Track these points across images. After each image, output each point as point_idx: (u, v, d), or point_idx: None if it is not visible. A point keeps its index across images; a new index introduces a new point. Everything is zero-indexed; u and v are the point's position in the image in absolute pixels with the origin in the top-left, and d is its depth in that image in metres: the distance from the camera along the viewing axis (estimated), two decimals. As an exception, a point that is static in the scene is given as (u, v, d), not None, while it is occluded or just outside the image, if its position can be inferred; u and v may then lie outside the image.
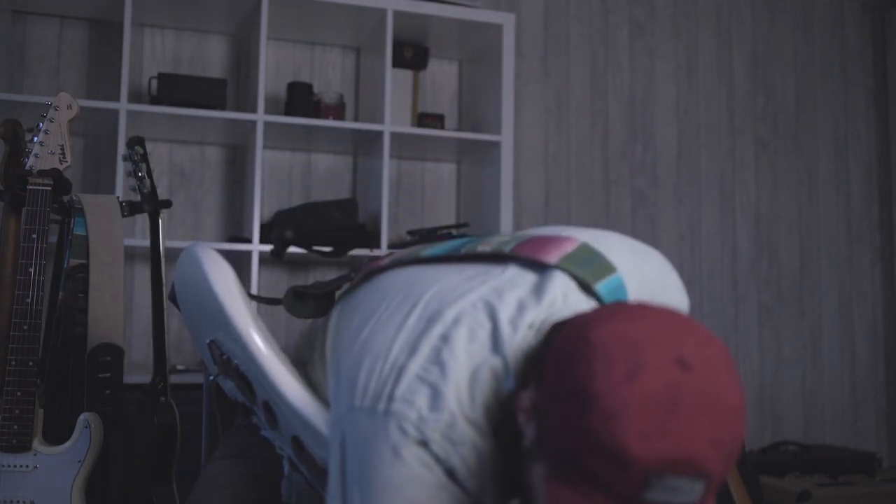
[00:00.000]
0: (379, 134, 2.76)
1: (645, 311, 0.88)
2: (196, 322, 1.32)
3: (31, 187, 1.86)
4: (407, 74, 3.03)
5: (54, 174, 1.88)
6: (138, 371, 2.27)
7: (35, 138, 1.91)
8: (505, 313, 1.00)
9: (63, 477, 1.80)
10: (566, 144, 3.34)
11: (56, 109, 1.93)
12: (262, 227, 2.67)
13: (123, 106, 2.50)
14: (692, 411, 0.79)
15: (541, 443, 0.88)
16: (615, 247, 1.12)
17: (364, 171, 2.98)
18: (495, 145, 2.88)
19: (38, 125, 1.92)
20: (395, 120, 2.90)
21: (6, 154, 2.04)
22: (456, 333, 1.00)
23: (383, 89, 2.76)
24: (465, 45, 3.08)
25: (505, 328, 0.99)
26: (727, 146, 3.55)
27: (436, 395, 0.97)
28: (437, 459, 0.95)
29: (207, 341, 1.27)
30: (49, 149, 1.90)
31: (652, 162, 3.44)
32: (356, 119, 3.04)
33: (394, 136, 2.78)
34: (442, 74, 3.20)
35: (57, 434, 1.87)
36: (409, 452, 0.96)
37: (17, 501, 1.78)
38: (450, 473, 0.96)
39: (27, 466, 1.79)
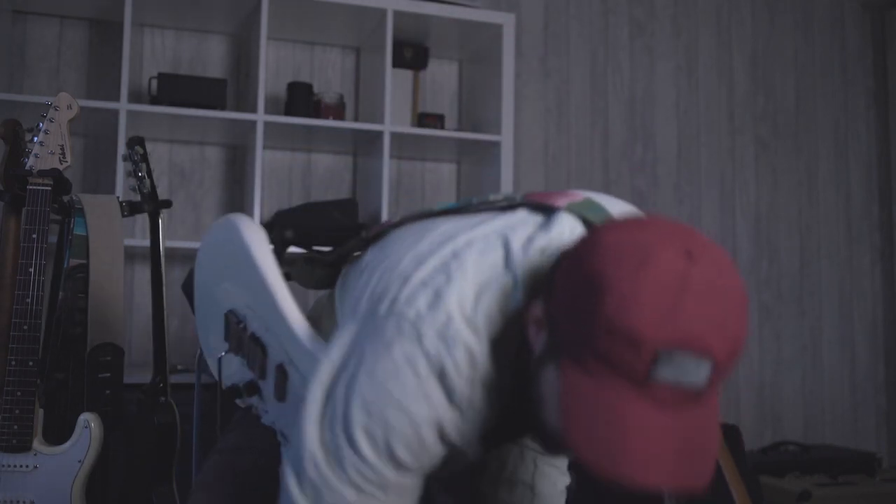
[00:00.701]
0: (379, 134, 2.76)
1: (653, 219, 0.94)
2: (216, 292, 1.34)
3: (31, 187, 1.86)
4: (407, 74, 3.03)
5: (54, 174, 1.88)
6: (138, 371, 2.27)
7: (35, 138, 1.91)
8: (517, 241, 1.03)
9: (63, 477, 1.80)
10: (566, 144, 3.34)
11: (56, 109, 1.93)
12: (262, 227, 2.66)
13: (123, 106, 2.50)
14: (699, 297, 0.85)
15: (553, 343, 0.91)
16: (617, 206, 1.17)
17: (364, 171, 2.98)
18: (495, 145, 2.87)
19: (38, 125, 1.92)
20: (395, 120, 2.90)
21: (6, 154, 2.04)
22: (467, 251, 1.03)
23: (383, 89, 2.76)
24: (465, 45, 3.08)
25: (516, 251, 1.02)
26: (727, 146, 3.55)
27: (437, 297, 0.99)
28: (428, 357, 0.97)
29: (226, 311, 1.29)
30: (49, 149, 1.90)
31: (652, 162, 3.44)
32: (356, 119, 3.04)
33: (394, 136, 2.78)
34: (442, 74, 3.20)
35: (57, 434, 1.87)
36: (399, 349, 0.98)
37: (17, 501, 1.78)
38: (440, 375, 0.97)
39: (27, 466, 1.79)
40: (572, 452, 0.90)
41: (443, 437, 1.00)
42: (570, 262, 0.92)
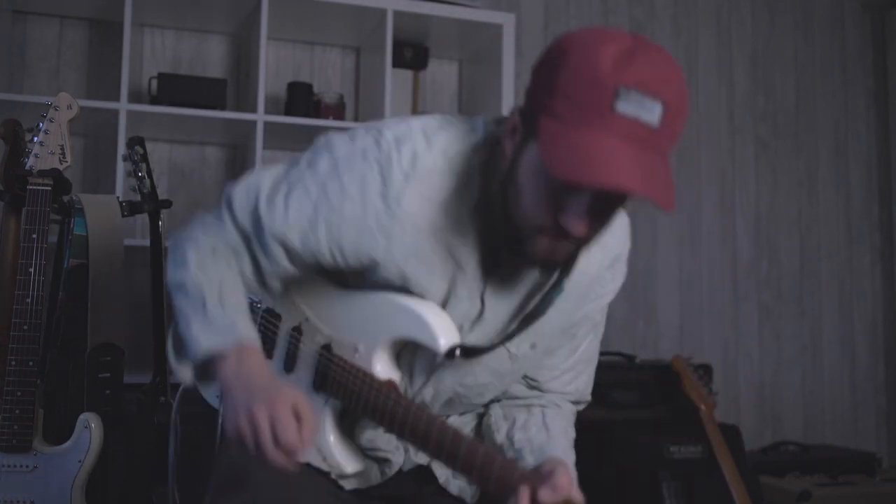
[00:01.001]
0: (379, 134, 2.75)
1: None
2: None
3: (31, 187, 1.86)
4: (407, 74, 3.03)
5: (54, 174, 1.89)
6: (138, 371, 2.27)
7: (35, 138, 1.91)
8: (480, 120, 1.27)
9: (63, 477, 1.80)
10: (566, 144, 3.33)
11: (56, 109, 1.93)
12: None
13: (123, 106, 2.50)
14: (650, 57, 1.05)
15: (529, 116, 1.11)
16: None
17: (364, 171, 2.97)
18: (495, 145, 2.87)
19: (38, 125, 1.92)
20: (395, 120, 2.90)
21: (6, 154, 2.04)
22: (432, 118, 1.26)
23: (383, 89, 2.76)
24: (465, 45, 3.07)
25: (478, 122, 1.26)
26: (727, 146, 3.55)
27: (404, 119, 1.24)
28: (379, 149, 1.20)
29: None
30: (49, 149, 1.90)
31: (652, 162, 3.43)
32: (356, 119, 3.04)
33: (394, 136, 2.77)
34: (442, 74, 3.20)
35: (57, 434, 1.87)
36: (360, 141, 1.22)
37: (17, 501, 1.78)
38: (382, 165, 1.19)
39: (27, 466, 1.79)
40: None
41: (365, 234, 1.20)
42: (541, 55, 1.12)
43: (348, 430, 1.33)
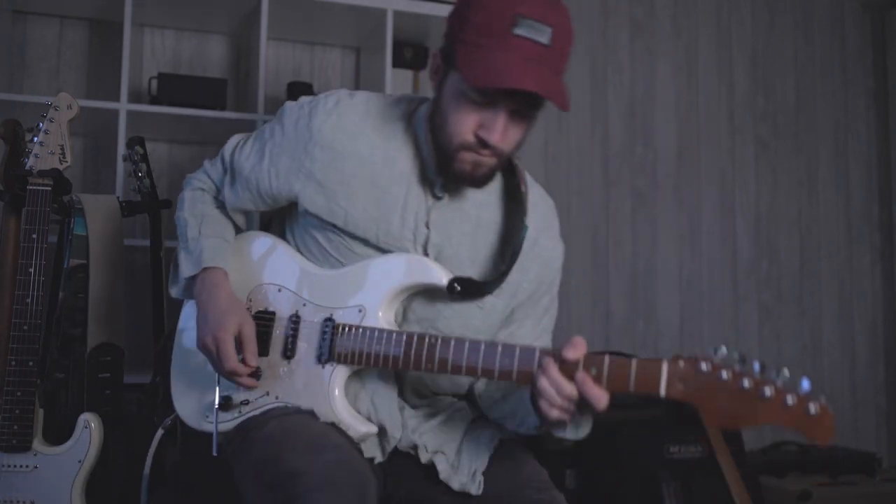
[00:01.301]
0: (379, 134, 2.76)
1: None
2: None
3: (31, 187, 1.86)
4: (407, 74, 3.03)
5: (54, 174, 1.88)
6: (138, 371, 2.27)
7: (35, 138, 1.91)
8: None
9: (63, 477, 1.80)
10: (566, 144, 3.34)
11: (56, 109, 1.92)
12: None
13: (123, 106, 2.50)
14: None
15: (448, 51, 1.36)
16: None
17: (364, 171, 2.98)
18: (495, 145, 2.87)
19: (38, 125, 1.91)
20: (395, 120, 2.90)
21: (6, 154, 2.04)
22: None
23: (383, 89, 2.76)
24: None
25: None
26: (727, 146, 3.55)
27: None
28: (314, 99, 1.50)
29: None
30: (49, 149, 1.90)
31: (652, 162, 3.44)
32: (356, 119, 3.03)
33: (394, 136, 2.78)
34: (442, 74, 3.19)
35: (57, 434, 1.87)
36: (302, 100, 1.53)
37: (17, 501, 1.78)
38: (311, 108, 1.49)
39: (27, 466, 1.79)
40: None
41: (295, 160, 1.47)
42: (455, 5, 1.38)
43: (351, 402, 1.45)
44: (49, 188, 1.87)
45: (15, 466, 1.78)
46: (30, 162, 1.88)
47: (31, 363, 1.80)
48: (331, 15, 2.81)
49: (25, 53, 2.78)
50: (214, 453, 1.46)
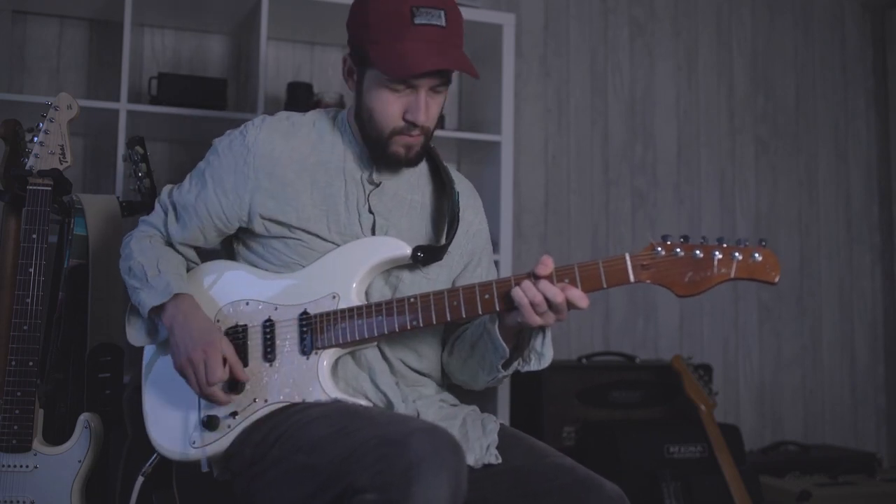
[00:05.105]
0: (379, 134, 2.75)
1: None
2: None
3: (31, 187, 1.86)
4: (407, 74, 3.02)
5: (54, 174, 1.88)
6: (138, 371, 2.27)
7: (35, 138, 1.91)
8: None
9: (63, 477, 1.80)
10: (566, 144, 3.34)
11: (56, 109, 1.92)
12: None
13: (123, 106, 2.50)
14: None
15: (358, 54, 1.53)
16: None
17: (364, 171, 2.97)
18: (495, 145, 2.87)
19: (38, 125, 1.91)
20: (395, 120, 2.89)
21: (6, 154, 2.04)
22: None
23: (383, 89, 2.76)
24: (465, 44, 3.07)
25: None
26: (727, 146, 3.55)
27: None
28: (241, 126, 1.64)
29: None
30: (49, 149, 1.90)
31: (652, 162, 3.44)
32: (356, 119, 3.04)
33: (394, 136, 2.77)
34: (442, 74, 3.19)
35: (57, 434, 1.87)
36: (233, 131, 1.64)
37: (17, 501, 1.78)
38: (242, 130, 1.62)
39: (27, 466, 1.79)
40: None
41: (239, 176, 1.57)
42: (351, 10, 1.55)
43: (353, 385, 1.53)
44: (49, 188, 1.87)
45: (15, 466, 1.78)
46: (30, 162, 1.88)
47: (31, 363, 1.80)
48: (331, 15, 2.81)
49: (25, 53, 2.78)
50: (204, 468, 1.48)
